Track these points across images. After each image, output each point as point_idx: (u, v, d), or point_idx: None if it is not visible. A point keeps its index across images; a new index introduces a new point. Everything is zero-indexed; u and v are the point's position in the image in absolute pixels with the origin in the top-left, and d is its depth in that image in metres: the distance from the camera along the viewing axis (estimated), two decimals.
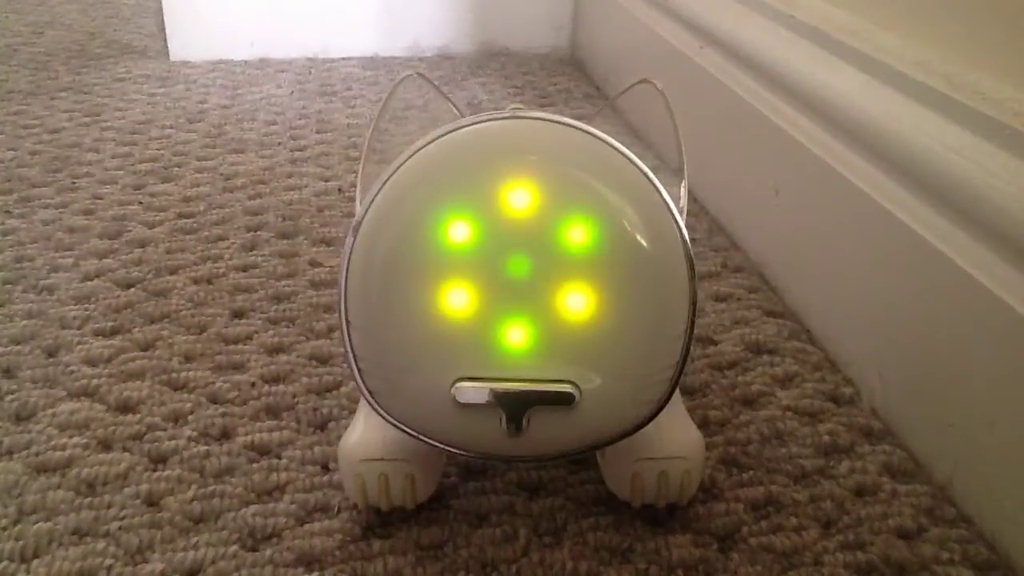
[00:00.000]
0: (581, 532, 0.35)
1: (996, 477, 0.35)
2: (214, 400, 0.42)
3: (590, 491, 0.37)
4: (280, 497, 0.36)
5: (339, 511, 0.36)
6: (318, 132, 0.75)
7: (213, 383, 0.43)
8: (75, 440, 0.39)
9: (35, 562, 0.33)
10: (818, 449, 0.39)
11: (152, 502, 0.36)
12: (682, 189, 0.39)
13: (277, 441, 0.39)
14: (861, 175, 0.44)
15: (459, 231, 0.29)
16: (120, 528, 0.35)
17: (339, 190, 0.64)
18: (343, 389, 0.43)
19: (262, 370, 0.44)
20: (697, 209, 0.62)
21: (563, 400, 0.30)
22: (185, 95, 0.83)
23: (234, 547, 0.34)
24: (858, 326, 0.44)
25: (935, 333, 0.38)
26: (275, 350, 0.46)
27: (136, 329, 0.47)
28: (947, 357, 0.37)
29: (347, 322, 0.30)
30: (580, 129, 0.30)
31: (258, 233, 0.58)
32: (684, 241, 0.30)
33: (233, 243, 0.56)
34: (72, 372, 0.44)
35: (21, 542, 0.34)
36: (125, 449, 0.39)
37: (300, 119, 0.77)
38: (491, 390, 0.29)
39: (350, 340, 0.30)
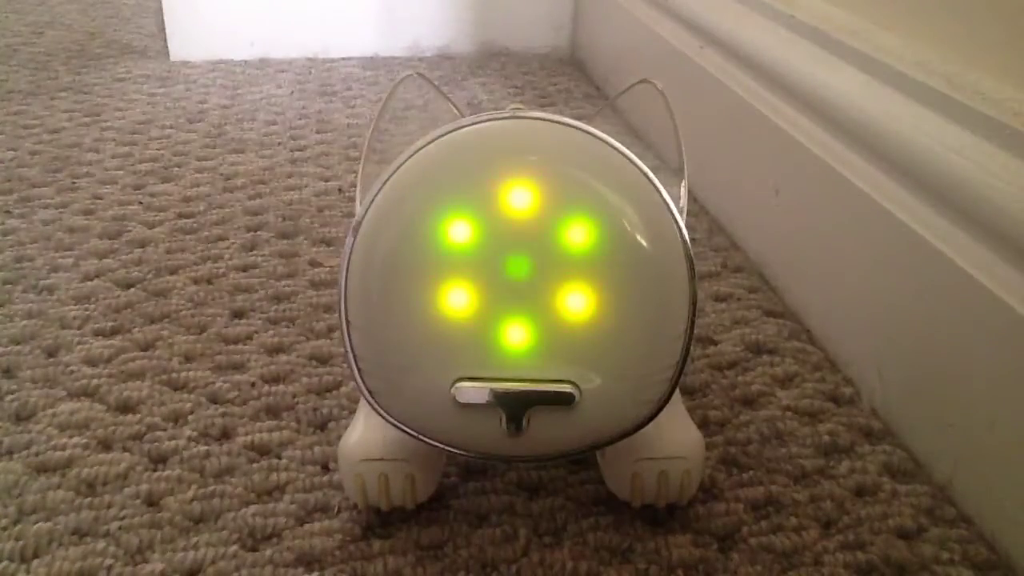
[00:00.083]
0: (581, 532, 0.35)
1: (996, 477, 0.35)
2: (214, 400, 0.42)
3: (590, 491, 0.37)
4: (280, 497, 0.36)
5: (339, 511, 0.36)
6: (318, 132, 0.75)
7: (213, 383, 0.43)
8: (75, 440, 0.39)
9: (35, 562, 0.33)
10: (818, 449, 0.39)
11: (152, 502, 0.36)
12: (682, 189, 0.39)
13: (277, 441, 0.39)
14: (861, 175, 0.44)
15: (459, 231, 0.29)
16: (120, 528, 0.35)
17: (339, 190, 0.64)
18: (343, 389, 0.43)
19: (262, 370, 0.44)
20: (697, 209, 0.62)
21: (563, 400, 0.30)
22: (185, 95, 0.83)
23: (234, 547, 0.34)
24: (858, 326, 0.44)
25: (935, 333, 0.38)
26: (275, 350, 0.46)
27: (136, 329, 0.47)
28: (947, 357, 0.37)
29: (347, 322, 0.30)
30: (580, 129, 0.30)
31: (258, 233, 0.58)
32: (684, 241, 0.30)
33: (233, 243, 0.56)
34: (72, 372, 0.44)
35: (21, 542, 0.34)
36: (125, 449, 0.39)
37: (300, 119, 0.77)
38: (491, 390, 0.29)
39: (350, 340, 0.30)
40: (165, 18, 0.92)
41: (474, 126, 0.30)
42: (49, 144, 0.71)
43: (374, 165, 0.40)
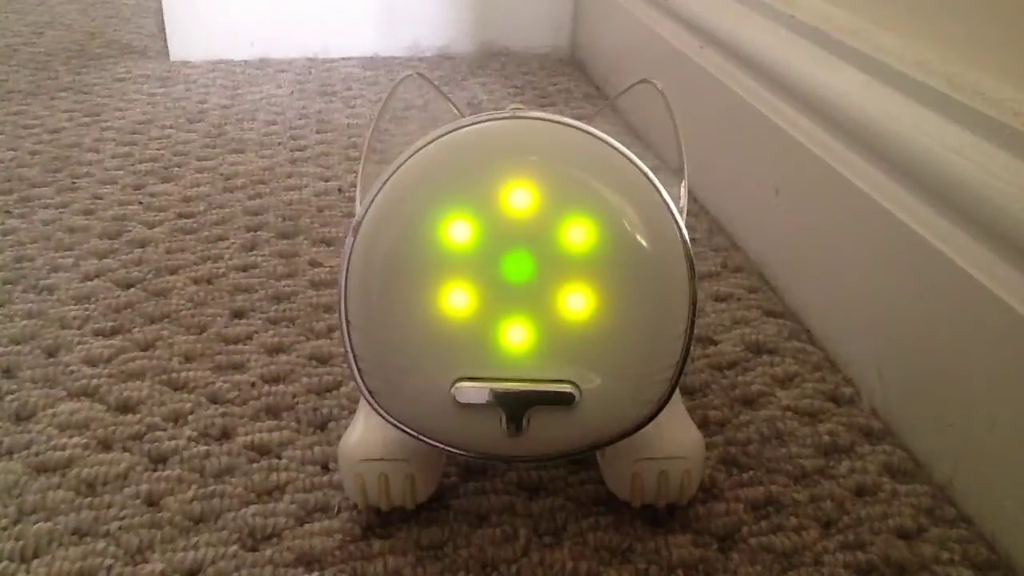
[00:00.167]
0: (581, 532, 0.35)
1: (996, 477, 0.35)
2: (214, 400, 0.42)
3: (590, 491, 0.37)
4: (280, 497, 0.36)
5: (339, 511, 0.36)
6: (318, 132, 0.75)
7: (213, 383, 0.43)
8: (75, 440, 0.39)
9: (35, 562, 0.33)
10: (818, 449, 0.39)
11: (152, 502, 0.36)
12: (682, 189, 0.39)
13: (277, 441, 0.39)
14: (861, 175, 0.44)
15: (459, 231, 0.29)
16: (120, 528, 0.35)
17: (339, 190, 0.64)
18: (343, 389, 0.43)
19: (262, 370, 0.44)
20: (697, 209, 0.62)
21: (563, 400, 0.30)
22: (185, 95, 0.83)
23: (234, 547, 0.34)
24: (858, 326, 0.44)
25: (935, 333, 0.38)
26: (275, 350, 0.46)
27: (136, 329, 0.47)
28: (947, 357, 0.37)
29: (347, 322, 0.30)
30: (580, 129, 0.30)
31: (258, 233, 0.58)
32: (684, 241, 0.30)
33: (233, 243, 0.56)
34: (72, 372, 0.44)
35: (21, 542, 0.34)
36: (125, 449, 0.39)
37: (300, 119, 0.77)
38: (491, 390, 0.29)
39: (350, 340, 0.30)
40: (165, 18, 0.92)
41: (474, 126, 0.30)
42: (49, 144, 0.71)
43: (374, 165, 0.40)
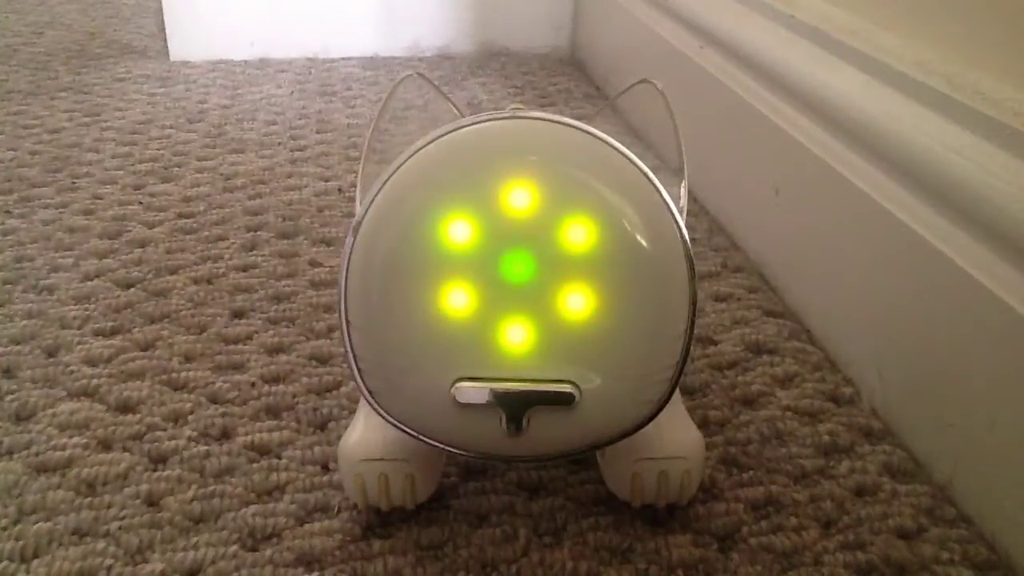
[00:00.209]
0: (581, 532, 0.35)
1: (996, 477, 0.35)
2: (214, 400, 0.42)
3: (590, 491, 0.37)
4: (280, 497, 0.36)
5: (339, 511, 0.36)
6: (318, 132, 0.75)
7: (213, 383, 0.43)
8: (75, 440, 0.39)
9: (35, 562, 0.33)
10: (818, 449, 0.39)
11: (152, 502, 0.36)
12: (682, 189, 0.39)
13: (277, 441, 0.39)
14: (861, 175, 0.44)
15: (459, 231, 0.29)
16: (120, 528, 0.35)
17: (339, 190, 0.64)
18: (343, 389, 0.43)
19: (262, 370, 0.44)
20: (697, 209, 0.62)
21: (563, 400, 0.30)
22: (185, 95, 0.83)
23: (234, 547, 0.34)
24: (858, 326, 0.44)
25: (935, 333, 0.38)
26: (275, 350, 0.46)
27: (136, 329, 0.47)
28: (947, 357, 0.37)
29: (347, 322, 0.30)
30: (580, 129, 0.30)
31: (258, 233, 0.58)
32: (684, 241, 0.30)
33: (233, 243, 0.56)
34: (72, 372, 0.44)
35: (21, 542, 0.34)
36: (125, 449, 0.39)
37: (300, 119, 0.77)
38: (491, 390, 0.29)
39: (350, 340, 0.30)
40: (165, 18, 0.92)
41: (474, 126, 0.30)
42: (49, 144, 0.71)
43: (374, 165, 0.40)
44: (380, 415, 0.31)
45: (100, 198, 0.62)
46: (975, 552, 0.34)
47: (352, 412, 0.40)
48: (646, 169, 0.30)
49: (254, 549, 0.34)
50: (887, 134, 0.42)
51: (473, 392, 0.29)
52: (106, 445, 0.39)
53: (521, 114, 0.30)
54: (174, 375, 0.44)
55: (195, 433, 0.40)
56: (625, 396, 0.30)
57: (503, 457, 0.32)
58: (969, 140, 0.38)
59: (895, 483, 0.38)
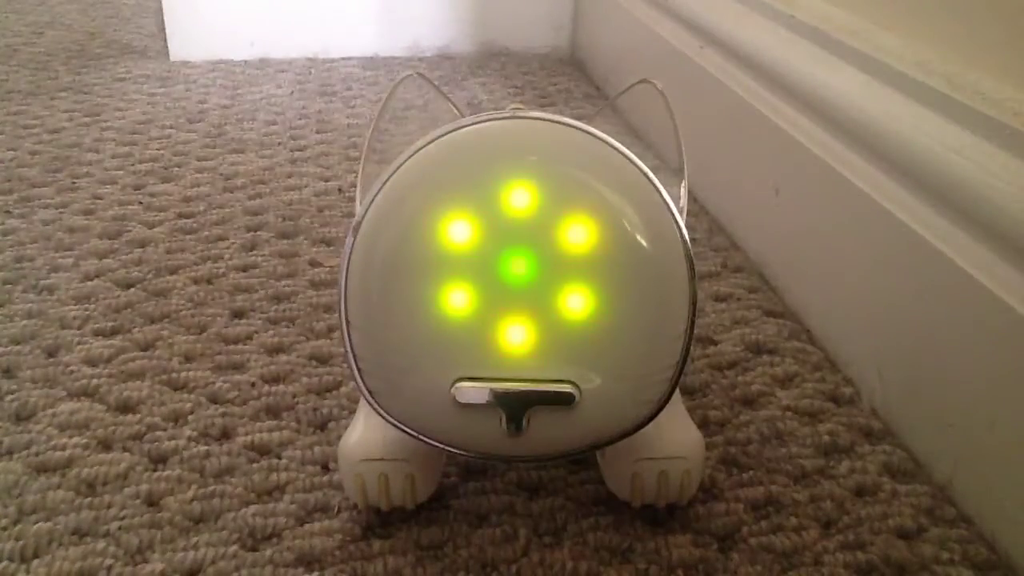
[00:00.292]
0: (581, 532, 0.35)
1: (996, 477, 0.35)
2: (214, 400, 0.42)
3: (590, 491, 0.37)
4: (280, 497, 0.36)
5: (339, 511, 0.36)
6: (318, 132, 0.75)
7: (213, 383, 0.43)
8: (75, 440, 0.39)
9: (35, 562, 0.33)
10: (818, 449, 0.39)
11: (152, 502, 0.36)
12: (682, 189, 0.39)
13: (277, 441, 0.39)
14: (861, 175, 0.44)
15: (459, 231, 0.29)
16: (120, 528, 0.35)
17: (339, 190, 0.64)
18: (343, 389, 0.43)
19: (262, 370, 0.44)
20: (697, 209, 0.62)
21: (563, 400, 0.30)
22: (185, 95, 0.83)
23: (234, 547, 0.34)
24: (858, 326, 0.44)
25: (935, 333, 0.38)
26: (275, 350, 0.46)
27: (136, 329, 0.47)
28: (947, 357, 0.37)
29: (347, 322, 0.30)
30: (580, 129, 0.30)
31: (258, 233, 0.58)
32: (684, 241, 0.30)
33: (233, 243, 0.56)
34: (72, 372, 0.44)
35: (21, 542, 0.34)
36: (125, 449, 0.39)
37: (300, 119, 0.77)
38: (491, 390, 0.29)
39: (350, 340, 0.30)
40: (165, 18, 0.92)
41: (474, 126, 0.30)
42: (49, 144, 0.71)
43: (374, 165, 0.40)
44: (380, 415, 0.31)
45: (100, 198, 0.62)
46: (975, 552, 0.34)
47: (352, 412, 0.40)
48: (646, 169, 0.30)
49: (254, 549, 0.34)
50: (887, 134, 0.42)
51: (473, 392, 0.29)
52: (106, 445, 0.39)
53: (521, 114, 0.30)
54: (174, 375, 0.44)
55: (195, 433, 0.40)
56: (625, 396, 0.30)
57: (503, 457, 0.32)
58: (969, 140, 0.38)
59: (895, 483, 0.38)
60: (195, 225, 0.59)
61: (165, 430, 0.40)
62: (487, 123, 0.30)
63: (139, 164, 0.68)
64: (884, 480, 0.38)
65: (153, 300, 0.50)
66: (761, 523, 0.35)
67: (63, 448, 0.39)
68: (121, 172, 0.67)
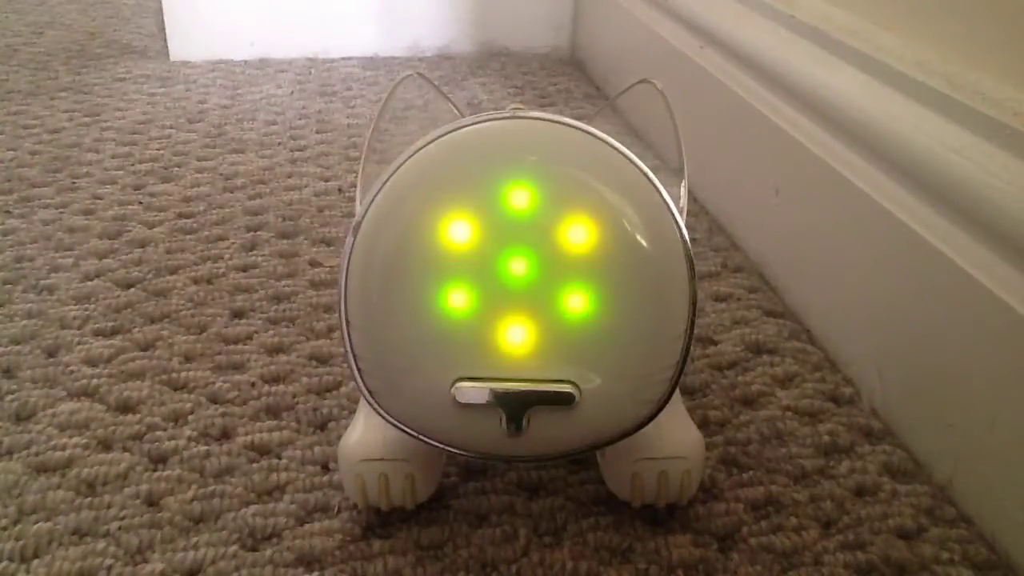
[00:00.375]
0: (581, 532, 0.35)
1: (996, 477, 0.35)
2: (214, 400, 0.42)
3: (590, 491, 0.37)
4: (280, 497, 0.36)
5: (339, 511, 0.36)
6: (318, 132, 0.75)
7: (213, 383, 0.43)
8: (75, 440, 0.39)
9: (35, 562, 0.33)
10: (818, 449, 0.39)
11: (152, 502, 0.36)
12: (682, 189, 0.39)
13: (277, 441, 0.39)
14: (861, 175, 0.44)
15: (459, 231, 0.29)
16: (120, 528, 0.35)
17: (339, 190, 0.64)
18: (343, 389, 0.43)
19: (262, 370, 0.44)
20: (697, 209, 0.62)
21: (563, 400, 0.30)
22: (185, 95, 0.83)
23: (234, 547, 0.34)
24: (858, 326, 0.44)
25: (935, 333, 0.38)
26: (275, 350, 0.46)
27: (136, 329, 0.47)
28: (947, 357, 0.37)
29: (347, 322, 0.30)
30: (580, 129, 0.30)
31: (258, 233, 0.58)
32: (684, 241, 0.30)
33: (233, 243, 0.56)
34: (72, 372, 0.44)
35: (21, 542, 0.34)
36: (125, 449, 0.39)
37: (300, 119, 0.77)
38: (491, 390, 0.29)
39: (350, 340, 0.30)
40: (165, 18, 0.92)
41: (474, 126, 0.30)
42: (49, 144, 0.71)
43: (374, 165, 0.40)
44: (380, 415, 0.31)
45: (100, 198, 0.62)
46: (975, 552, 0.34)
47: (352, 412, 0.40)
48: (646, 169, 0.30)
49: (254, 549, 0.34)
50: (887, 134, 0.42)
51: (473, 392, 0.29)
52: (106, 445, 0.39)
53: (521, 114, 0.30)
54: (174, 375, 0.44)
55: (195, 433, 0.40)
56: (625, 396, 0.30)
57: (503, 457, 0.32)
58: (969, 140, 0.38)
59: (895, 483, 0.38)
60: (195, 225, 0.59)
61: (165, 430, 0.40)
62: (487, 123, 0.30)
63: (139, 164, 0.68)
64: (884, 480, 0.38)
65: (153, 300, 0.50)
66: (761, 523, 0.35)
67: (63, 448, 0.39)
68: (121, 172, 0.67)
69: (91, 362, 0.45)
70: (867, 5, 0.49)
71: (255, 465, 0.38)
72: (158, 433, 0.40)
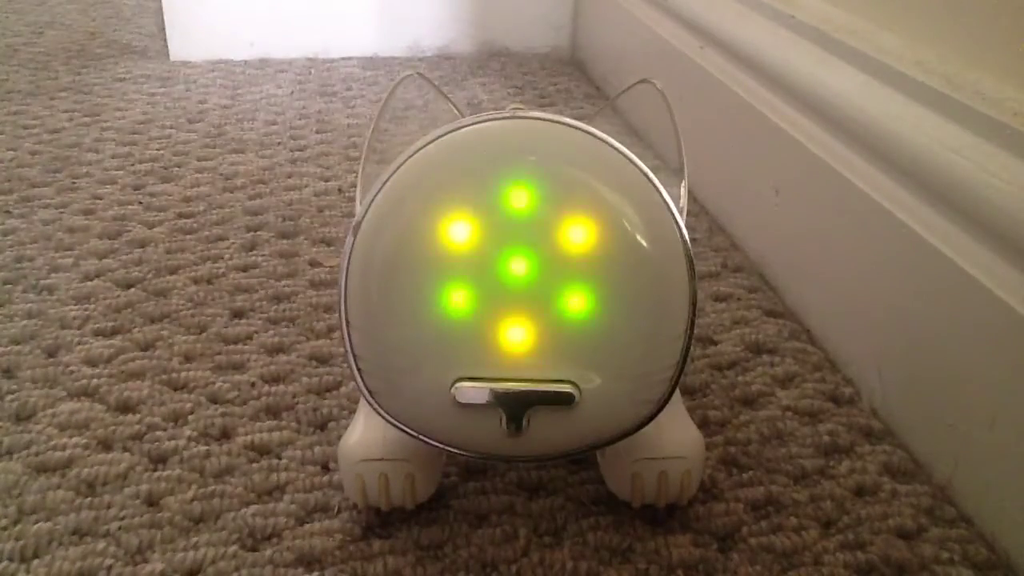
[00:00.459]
0: (581, 532, 0.35)
1: (996, 477, 0.35)
2: (214, 400, 0.42)
3: (590, 491, 0.37)
4: (280, 497, 0.36)
5: (339, 511, 0.36)
6: (318, 132, 0.75)
7: (213, 383, 0.43)
8: (75, 440, 0.39)
9: (35, 562, 0.33)
10: (818, 449, 0.39)
11: (152, 502, 0.36)
12: (682, 189, 0.39)
13: (277, 441, 0.39)
14: (861, 175, 0.44)
15: (459, 231, 0.29)
16: (120, 528, 0.35)
17: (339, 190, 0.64)
18: (343, 389, 0.43)
19: (262, 370, 0.44)
20: (697, 209, 0.62)
21: (563, 400, 0.30)
22: (185, 95, 0.83)
23: (234, 547, 0.34)
24: (858, 326, 0.44)
25: (935, 333, 0.38)
26: (275, 350, 0.46)
27: (136, 329, 0.47)
28: (947, 357, 0.37)
29: (347, 322, 0.30)
30: (580, 129, 0.30)
31: (258, 233, 0.58)
32: (684, 241, 0.30)
33: (233, 243, 0.56)
34: (72, 372, 0.44)
35: (21, 542, 0.34)
36: (125, 449, 0.39)
37: (300, 119, 0.77)
38: (491, 390, 0.29)
39: (350, 340, 0.30)
40: (165, 18, 0.92)
41: (474, 126, 0.30)
42: (49, 144, 0.71)
43: (374, 165, 0.40)
44: (380, 415, 0.31)
45: (100, 198, 0.62)
46: (975, 552, 0.34)
47: (352, 412, 0.40)
48: (646, 169, 0.30)
49: (254, 549, 0.34)
50: (887, 134, 0.42)
51: (473, 392, 0.29)
52: (106, 445, 0.39)
53: (521, 114, 0.30)
54: (174, 375, 0.44)
55: (195, 433, 0.40)
56: (625, 396, 0.30)
57: (503, 457, 0.32)
58: (969, 140, 0.38)
59: (895, 483, 0.38)
60: (195, 225, 0.59)
61: (165, 430, 0.40)
62: (487, 123, 0.30)
63: (139, 164, 0.68)
64: (884, 480, 0.38)
65: (153, 300, 0.50)
66: (761, 523, 0.35)
67: (63, 448, 0.39)
68: (121, 172, 0.67)
69: (91, 362, 0.45)
70: (867, 5, 0.49)
71: (255, 465, 0.38)
72: (158, 433, 0.40)
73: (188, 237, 0.57)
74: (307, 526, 0.35)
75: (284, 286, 0.52)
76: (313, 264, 0.54)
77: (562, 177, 0.29)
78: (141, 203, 0.62)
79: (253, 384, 0.43)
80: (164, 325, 0.48)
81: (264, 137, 0.73)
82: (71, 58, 0.95)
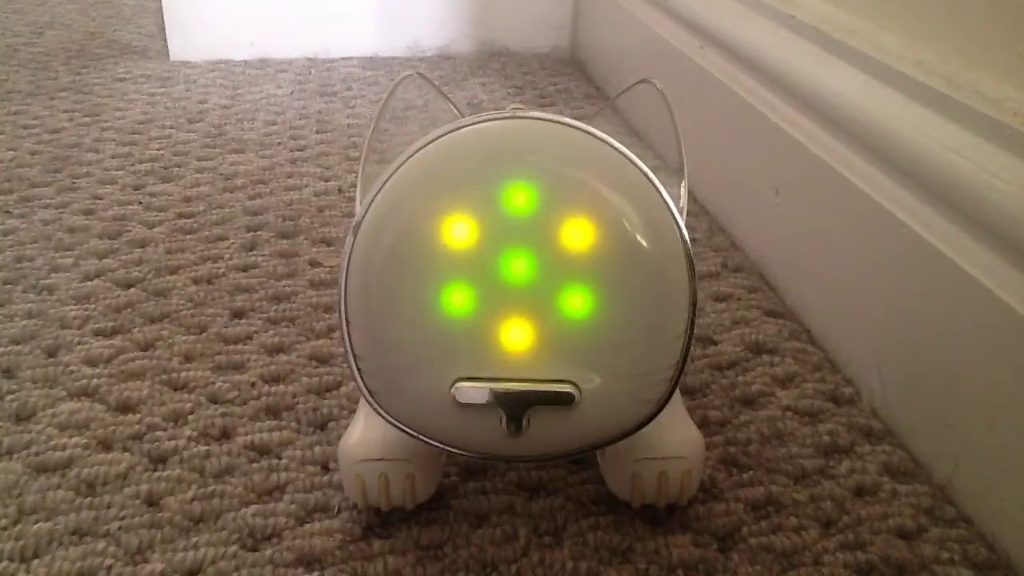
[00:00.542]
0: (581, 532, 0.35)
1: (996, 477, 0.35)
2: (214, 400, 0.42)
3: (590, 491, 0.37)
4: (280, 497, 0.36)
5: (339, 511, 0.36)
6: (318, 132, 0.75)
7: (213, 383, 0.43)
8: (75, 440, 0.39)
9: (35, 562, 0.33)
10: (818, 449, 0.39)
11: (152, 502, 0.36)
12: (682, 189, 0.39)
13: (277, 441, 0.39)
14: (861, 175, 0.44)
15: (459, 231, 0.29)
16: (120, 528, 0.35)
17: (339, 190, 0.64)
18: (343, 389, 0.43)
19: (262, 370, 0.44)
20: (697, 209, 0.62)
21: (563, 400, 0.30)
22: (185, 95, 0.83)
23: (234, 547, 0.34)
24: (858, 326, 0.44)
25: (935, 333, 0.38)
26: (275, 350, 0.46)
27: (136, 329, 0.47)
28: (947, 357, 0.37)
29: (347, 322, 0.30)
30: (580, 129, 0.30)
31: (258, 233, 0.58)
32: (684, 241, 0.30)
33: (233, 243, 0.56)
34: (72, 372, 0.44)
35: (21, 542, 0.34)
36: (125, 449, 0.39)
37: (300, 119, 0.77)
38: (491, 390, 0.29)
39: (350, 340, 0.30)
40: (165, 18, 0.92)
41: (474, 126, 0.30)
42: (49, 144, 0.71)
43: (374, 165, 0.40)
44: (380, 415, 0.31)
45: (100, 198, 0.62)
46: (975, 552, 0.34)
47: (352, 412, 0.40)
48: (646, 169, 0.30)
49: (254, 549, 0.34)
50: (887, 134, 0.42)
51: (473, 392, 0.29)
52: (106, 445, 0.39)
53: (521, 114, 0.30)
54: (174, 375, 0.44)
55: (195, 433, 0.40)
56: (625, 396, 0.30)
57: (503, 457, 0.32)
58: (969, 140, 0.38)
59: (895, 483, 0.38)
60: (195, 225, 0.59)
61: (165, 430, 0.40)
62: (487, 123, 0.30)
63: (139, 164, 0.68)
64: (884, 480, 0.38)
65: (153, 300, 0.50)
66: (761, 523, 0.35)
67: (63, 448, 0.39)
68: (121, 172, 0.67)
69: (91, 362, 0.45)
70: (867, 5, 0.49)
71: (255, 465, 0.38)
72: (158, 433, 0.40)
73: (188, 237, 0.57)
74: (307, 526, 0.35)
75: (284, 286, 0.52)
76: (313, 264, 0.54)
77: (562, 177, 0.29)
78: (141, 203, 0.62)
79: (253, 384, 0.43)
80: (164, 325, 0.48)
81: (264, 137, 0.73)
82: (71, 58, 0.95)
